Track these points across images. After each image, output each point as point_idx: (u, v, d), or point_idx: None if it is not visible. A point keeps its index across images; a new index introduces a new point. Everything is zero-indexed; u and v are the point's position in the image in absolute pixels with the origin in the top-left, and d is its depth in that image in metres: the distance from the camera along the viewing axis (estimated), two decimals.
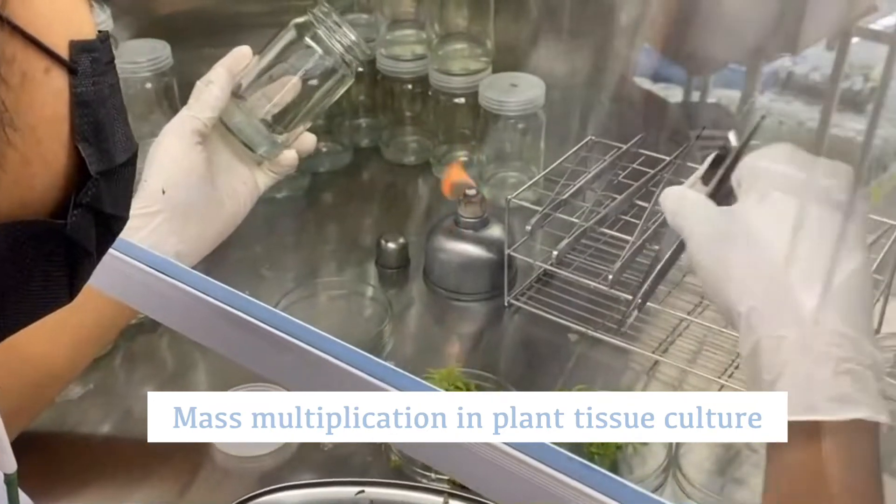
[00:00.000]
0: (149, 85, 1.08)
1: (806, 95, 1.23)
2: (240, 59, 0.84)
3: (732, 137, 0.64)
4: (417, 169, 1.29)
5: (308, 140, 0.88)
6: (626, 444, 0.81)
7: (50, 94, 0.35)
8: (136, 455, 0.87)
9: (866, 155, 1.18)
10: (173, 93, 1.10)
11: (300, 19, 0.84)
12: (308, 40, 0.83)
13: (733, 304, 0.57)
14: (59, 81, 0.36)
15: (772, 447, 0.55)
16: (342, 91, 0.87)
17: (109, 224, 0.40)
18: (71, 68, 0.36)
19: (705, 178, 0.66)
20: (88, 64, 0.37)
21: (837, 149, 1.15)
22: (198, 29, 1.22)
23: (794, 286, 0.54)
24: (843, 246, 0.55)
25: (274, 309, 0.54)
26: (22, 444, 0.53)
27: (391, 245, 1.09)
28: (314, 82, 0.84)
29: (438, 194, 1.13)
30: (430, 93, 1.23)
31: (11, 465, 0.49)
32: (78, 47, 0.36)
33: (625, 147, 1.06)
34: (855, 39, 1.18)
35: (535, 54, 1.25)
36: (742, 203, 0.61)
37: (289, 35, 0.84)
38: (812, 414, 0.51)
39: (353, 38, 0.83)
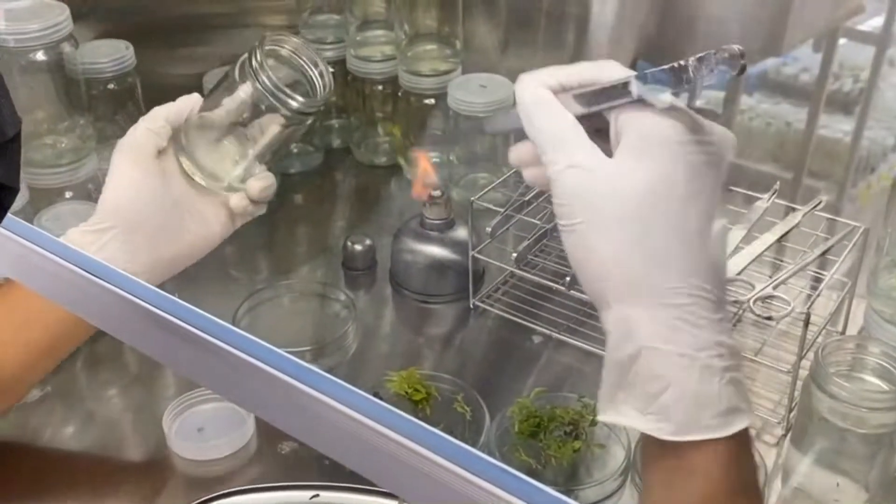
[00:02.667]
0: (112, 86, 1.07)
1: (794, 97, 1.22)
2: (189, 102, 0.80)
3: (636, 87, 0.51)
4: (389, 170, 1.28)
5: (261, 182, 0.79)
6: (584, 447, 0.81)
7: None
8: (95, 460, 0.87)
9: (854, 156, 1.20)
10: (137, 94, 1.09)
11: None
12: (236, 73, 0.74)
13: (602, 298, 0.51)
14: None
15: (648, 454, 0.52)
16: (292, 133, 0.78)
17: (2, 198, 0.42)
18: None
19: (582, 100, 0.53)
20: None
21: (825, 150, 1.18)
22: (161, 29, 1.22)
23: (675, 285, 0.49)
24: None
25: (216, 319, 0.53)
26: None
27: (357, 247, 1.08)
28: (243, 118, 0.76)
29: (409, 196, 1.13)
30: (399, 94, 1.22)
31: None
32: None
33: None
34: (842, 40, 1.19)
35: (505, 56, 1.25)
36: (635, 165, 0.50)
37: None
38: (704, 433, 0.49)
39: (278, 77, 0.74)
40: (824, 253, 0.85)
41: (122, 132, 1.09)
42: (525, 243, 0.89)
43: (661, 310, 0.49)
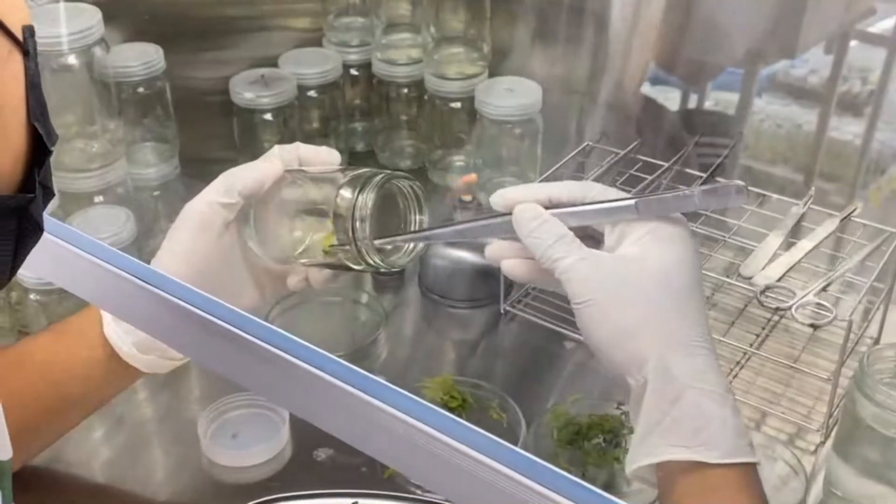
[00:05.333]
0: (141, 89, 1.06)
1: (804, 98, 1.21)
2: (311, 156, 0.74)
3: (643, 209, 0.61)
4: (414, 173, 1.26)
5: (324, 275, 0.75)
6: (624, 457, 0.80)
7: (11, 76, 0.38)
8: (125, 464, 0.86)
9: (864, 158, 1.19)
10: (166, 97, 1.09)
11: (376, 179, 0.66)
12: (344, 177, 0.67)
13: (640, 351, 0.59)
14: (17, 64, 0.38)
15: (681, 484, 0.58)
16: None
17: (47, 201, 0.43)
18: (26, 51, 0.39)
19: (576, 217, 0.62)
20: (33, 48, 0.39)
21: (835, 152, 1.17)
22: (191, 32, 1.21)
23: (698, 337, 0.59)
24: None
25: (253, 317, 0.53)
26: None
27: None
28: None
29: (435, 199, 1.12)
30: (425, 97, 1.22)
31: (6, 452, 0.50)
32: (29, 31, 0.39)
33: (622, 153, 1.05)
34: (853, 42, 1.18)
35: (532, 59, 1.24)
36: (622, 248, 0.62)
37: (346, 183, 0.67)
38: (746, 457, 0.57)
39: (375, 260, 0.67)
40: (865, 258, 0.84)
41: (152, 136, 1.09)
42: None
43: (695, 357, 0.58)
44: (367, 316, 1.02)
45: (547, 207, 0.63)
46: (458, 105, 1.20)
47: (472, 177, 1.04)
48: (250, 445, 0.85)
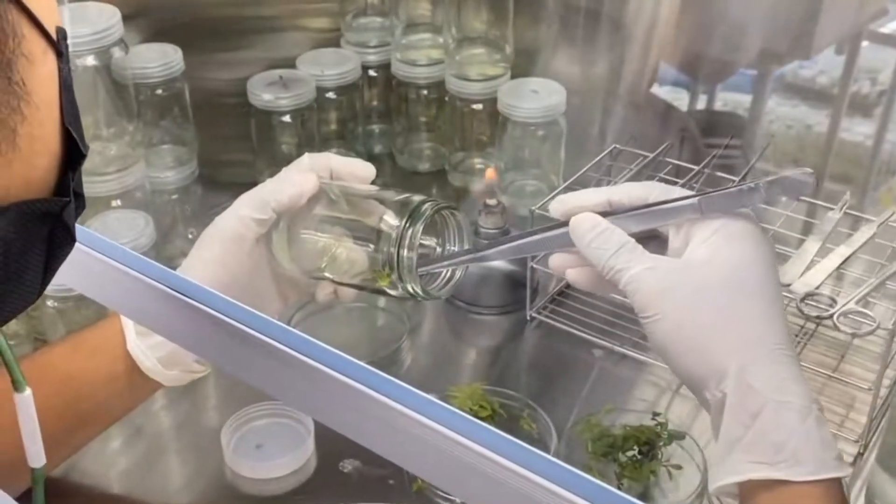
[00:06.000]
0: (160, 91, 1.04)
1: (813, 99, 1.21)
2: (343, 170, 0.71)
3: (705, 207, 0.58)
4: (432, 176, 1.26)
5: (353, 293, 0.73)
6: (660, 470, 0.78)
7: (47, 76, 0.38)
8: (144, 475, 0.85)
9: (876, 159, 1.18)
10: (184, 99, 1.07)
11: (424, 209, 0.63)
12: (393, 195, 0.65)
13: (717, 365, 0.56)
14: (51, 65, 0.38)
15: (748, 496, 0.56)
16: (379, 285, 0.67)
17: (79, 210, 0.42)
18: (59, 52, 0.38)
19: (634, 220, 0.60)
20: (66, 50, 0.39)
21: (846, 153, 1.17)
22: (206, 33, 1.19)
23: (779, 343, 0.56)
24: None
25: (281, 324, 0.51)
26: None
27: None
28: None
29: (454, 202, 1.10)
30: (446, 98, 1.20)
31: (40, 459, 0.50)
32: (62, 33, 0.39)
33: (651, 156, 1.03)
34: (864, 43, 1.18)
35: (555, 60, 1.22)
36: (688, 252, 0.58)
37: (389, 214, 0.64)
38: (834, 472, 0.54)
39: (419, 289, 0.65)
40: None
41: (170, 139, 1.07)
42: None
43: (775, 365, 0.55)
44: (391, 322, 1.00)
45: (607, 213, 0.60)
46: (479, 107, 1.18)
47: (492, 171, 1.01)
48: (275, 456, 0.83)
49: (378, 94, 1.27)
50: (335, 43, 1.25)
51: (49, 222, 0.39)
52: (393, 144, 1.28)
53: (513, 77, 1.17)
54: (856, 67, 1.16)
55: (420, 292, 0.64)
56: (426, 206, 0.63)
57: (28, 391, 0.50)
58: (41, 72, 0.37)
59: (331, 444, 0.84)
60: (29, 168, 0.38)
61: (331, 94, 1.18)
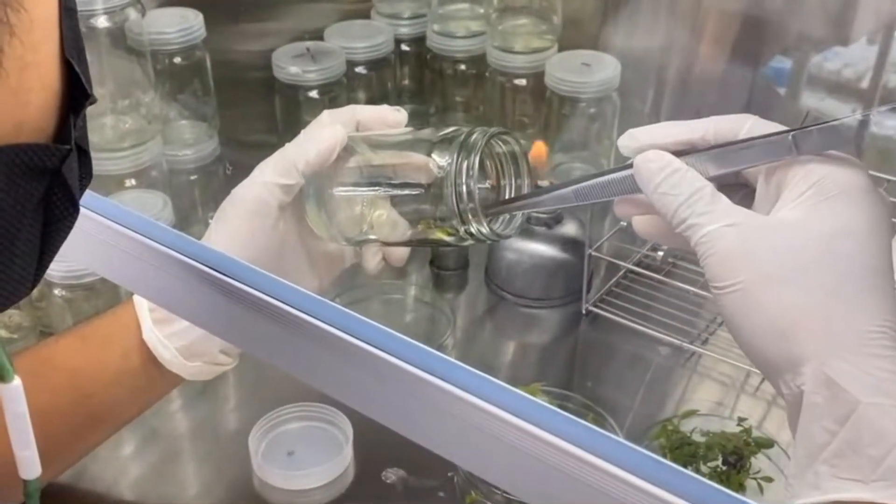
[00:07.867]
0: (178, 59, 0.97)
1: (837, 92, 1.18)
2: (372, 120, 0.63)
3: (804, 144, 0.48)
4: None
5: (402, 252, 0.67)
6: (749, 481, 0.69)
7: None
8: (159, 483, 0.79)
9: None
10: (206, 69, 1.00)
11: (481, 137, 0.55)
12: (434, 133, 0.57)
13: (796, 352, 0.47)
14: None
15: None
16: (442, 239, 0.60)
17: (83, 172, 0.36)
18: None
19: (714, 159, 0.49)
20: None
21: (877, 147, 1.12)
22: (233, 1, 1.12)
23: (880, 333, 0.46)
24: None
25: (336, 304, 0.43)
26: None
27: None
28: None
29: None
30: (486, 73, 1.13)
31: (34, 469, 0.42)
32: None
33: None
34: None
35: (606, 30, 1.15)
36: (779, 209, 0.48)
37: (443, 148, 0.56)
38: None
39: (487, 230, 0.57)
40: None
41: (189, 113, 1.00)
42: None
43: (871, 359, 0.46)
44: (434, 316, 0.93)
45: (682, 153, 0.50)
46: (523, 82, 1.11)
47: (541, 147, 0.93)
48: (309, 465, 0.76)
49: (410, 72, 1.20)
50: (365, 14, 1.19)
51: (45, 180, 0.33)
52: (427, 124, 1.20)
53: (560, 50, 1.10)
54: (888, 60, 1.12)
55: (487, 232, 0.56)
56: (475, 135, 0.55)
57: (16, 381, 0.39)
58: None
59: (371, 451, 0.77)
60: (18, 103, 0.31)
61: (360, 69, 1.12)
